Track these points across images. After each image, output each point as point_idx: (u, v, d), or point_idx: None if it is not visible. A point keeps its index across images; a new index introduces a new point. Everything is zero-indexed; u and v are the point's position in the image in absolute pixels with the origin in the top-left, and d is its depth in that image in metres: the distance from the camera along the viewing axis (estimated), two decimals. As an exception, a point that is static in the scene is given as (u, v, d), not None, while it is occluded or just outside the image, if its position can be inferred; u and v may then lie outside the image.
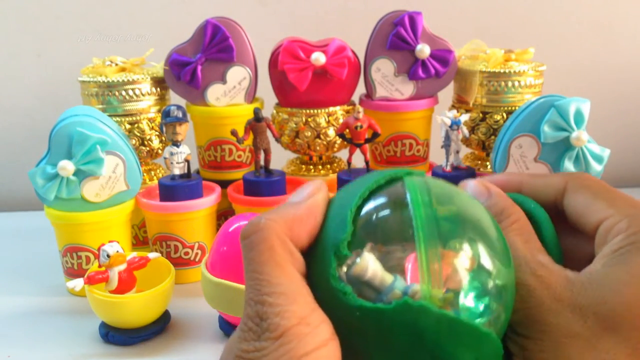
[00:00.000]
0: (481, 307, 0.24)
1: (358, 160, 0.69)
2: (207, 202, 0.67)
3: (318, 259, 0.25)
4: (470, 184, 0.30)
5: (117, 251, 0.55)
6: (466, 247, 0.25)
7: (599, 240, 0.27)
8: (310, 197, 0.26)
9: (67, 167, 0.61)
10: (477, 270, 0.24)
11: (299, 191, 0.27)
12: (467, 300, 0.24)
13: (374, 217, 0.25)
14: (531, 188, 0.31)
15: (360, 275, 0.24)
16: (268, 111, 0.75)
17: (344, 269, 0.24)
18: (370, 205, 0.26)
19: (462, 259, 0.24)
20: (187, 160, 0.67)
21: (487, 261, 0.25)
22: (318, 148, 0.74)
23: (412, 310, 0.23)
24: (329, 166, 0.78)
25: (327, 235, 0.25)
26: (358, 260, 0.24)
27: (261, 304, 0.23)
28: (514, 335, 0.26)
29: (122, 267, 0.56)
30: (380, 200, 0.26)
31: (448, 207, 0.26)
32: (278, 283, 0.23)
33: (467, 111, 0.72)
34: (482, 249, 0.25)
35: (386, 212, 0.26)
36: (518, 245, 0.27)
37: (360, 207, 0.25)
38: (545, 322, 0.25)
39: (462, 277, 0.24)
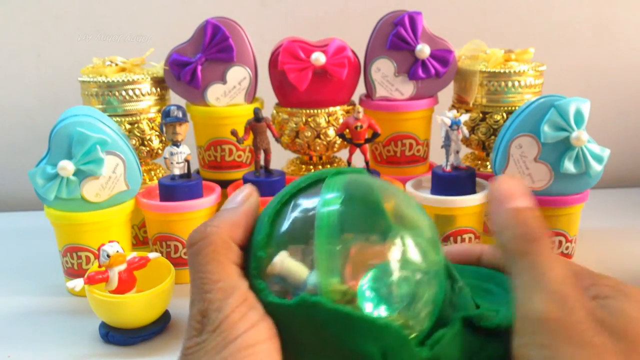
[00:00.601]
0: (387, 298, 0.25)
1: (358, 160, 0.69)
2: (207, 202, 0.67)
3: (247, 259, 0.27)
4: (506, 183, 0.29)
5: (117, 251, 0.55)
6: (374, 239, 0.26)
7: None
8: (244, 202, 0.29)
9: (67, 167, 0.61)
10: (385, 262, 0.25)
11: (233, 197, 0.30)
12: (369, 292, 0.25)
13: (289, 218, 0.27)
14: (489, 259, 0.32)
15: (274, 272, 0.26)
16: (268, 111, 0.75)
17: (266, 267, 0.26)
18: (287, 208, 0.28)
19: (370, 251, 0.26)
20: (187, 160, 0.67)
21: (397, 252, 0.26)
22: (318, 148, 0.74)
23: (309, 305, 0.24)
24: (329, 166, 0.78)
25: (252, 237, 0.28)
26: (275, 259, 0.26)
27: (203, 301, 0.25)
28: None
29: (122, 267, 0.56)
30: (298, 202, 0.28)
31: (363, 203, 0.27)
32: (218, 279, 0.25)
33: (467, 111, 0.72)
34: (395, 241, 0.26)
35: (299, 213, 0.27)
36: (558, 261, 0.26)
37: (279, 210, 0.28)
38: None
39: (363, 270, 0.25)
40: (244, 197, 0.29)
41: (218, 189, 0.70)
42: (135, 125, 0.71)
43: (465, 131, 0.67)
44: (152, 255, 0.59)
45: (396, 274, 0.25)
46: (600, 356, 0.23)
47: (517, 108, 0.67)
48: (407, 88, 0.73)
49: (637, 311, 0.25)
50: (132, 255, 0.58)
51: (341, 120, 0.73)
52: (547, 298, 0.25)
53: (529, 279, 0.26)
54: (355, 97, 0.77)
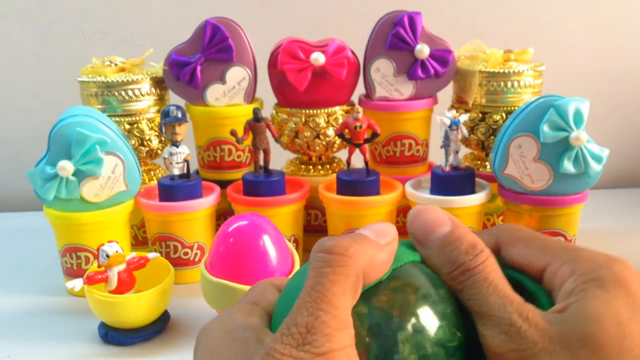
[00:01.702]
0: None
1: (357, 161, 0.69)
2: (207, 202, 0.67)
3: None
4: (427, 213, 0.29)
5: (117, 251, 0.55)
6: None
7: (548, 287, 0.27)
8: (390, 244, 0.27)
9: (66, 167, 0.61)
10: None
11: (383, 230, 0.27)
12: None
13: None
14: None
15: None
16: (267, 111, 0.76)
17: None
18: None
19: None
20: (186, 161, 0.67)
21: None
22: (317, 148, 0.74)
23: None
24: (328, 166, 0.78)
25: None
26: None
27: (314, 317, 0.23)
28: None
29: (122, 267, 0.56)
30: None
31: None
32: (337, 306, 0.24)
33: (466, 111, 0.72)
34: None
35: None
36: (498, 283, 0.26)
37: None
38: None
39: None
40: (393, 239, 0.27)
41: (217, 189, 0.70)
42: (135, 125, 0.71)
43: (465, 131, 0.67)
44: (152, 255, 0.59)
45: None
46: None
47: (516, 108, 0.67)
48: (407, 88, 0.73)
49: (605, 305, 0.24)
50: (132, 255, 0.58)
51: (340, 121, 0.73)
52: (496, 331, 0.25)
53: (476, 314, 0.26)
54: (355, 97, 0.77)
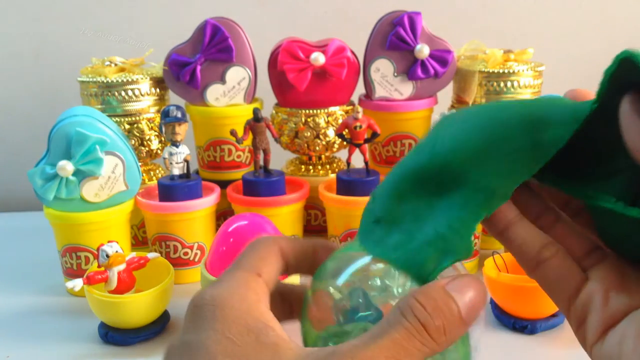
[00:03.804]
0: None
1: (357, 160, 0.69)
2: (207, 202, 0.67)
3: None
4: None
5: (117, 251, 0.55)
6: None
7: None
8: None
9: (66, 167, 0.61)
10: None
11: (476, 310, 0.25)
12: None
13: None
14: None
15: None
16: (267, 111, 0.76)
17: None
18: None
19: None
20: (186, 161, 0.67)
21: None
22: (317, 148, 0.74)
23: None
24: (328, 166, 0.78)
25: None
26: None
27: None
28: None
29: (122, 267, 0.56)
30: None
31: None
32: None
33: (466, 111, 0.72)
34: None
35: None
36: None
37: None
38: None
39: None
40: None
41: (217, 189, 0.70)
42: (135, 125, 0.71)
43: (465, 131, 0.67)
44: (152, 255, 0.59)
45: None
46: None
47: (516, 108, 0.67)
48: (407, 88, 0.73)
49: None
50: (132, 255, 0.58)
51: (340, 120, 0.73)
52: None
53: None
54: (355, 97, 0.77)
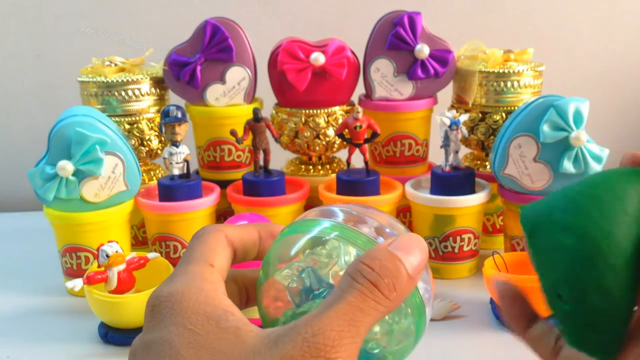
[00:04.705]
0: None
1: (357, 160, 0.69)
2: (207, 202, 0.67)
3: None
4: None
5: (117, 251, 0.55)
6: None
7: None
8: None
9: (66, 167, 0.61)
10: None
11: (420, 267, 0.27)
12: None
13: None
14: None
15: None
16: (267, 111, 0.75)
17: None
18: None
19: None
20: (186, 161, 0.67)
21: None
22: (317, 148, 0.74)
23: None
24: (328, 166, 0.78)
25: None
26: None
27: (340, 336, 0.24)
28: None
29: (122, 267, 0.56)
30: None
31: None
32: (362, 334, 0.25)
33: (466, 111, 0.72)
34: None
35: None
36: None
37: None
38: None
39: None
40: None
41: (217, 189, 0.70)
42: (135, 125, 0.71)
43: (465, 131, 0.67)
44: (152, 255, 0.59)
45: None
46: None
47: (516, 108, 0.67)
48: (407, 88, 0.73)
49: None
50: (132, 255, 0.58)
51: (340, 120, 0.73)
52: None
53: None
54: (355, 97, 0.77)
